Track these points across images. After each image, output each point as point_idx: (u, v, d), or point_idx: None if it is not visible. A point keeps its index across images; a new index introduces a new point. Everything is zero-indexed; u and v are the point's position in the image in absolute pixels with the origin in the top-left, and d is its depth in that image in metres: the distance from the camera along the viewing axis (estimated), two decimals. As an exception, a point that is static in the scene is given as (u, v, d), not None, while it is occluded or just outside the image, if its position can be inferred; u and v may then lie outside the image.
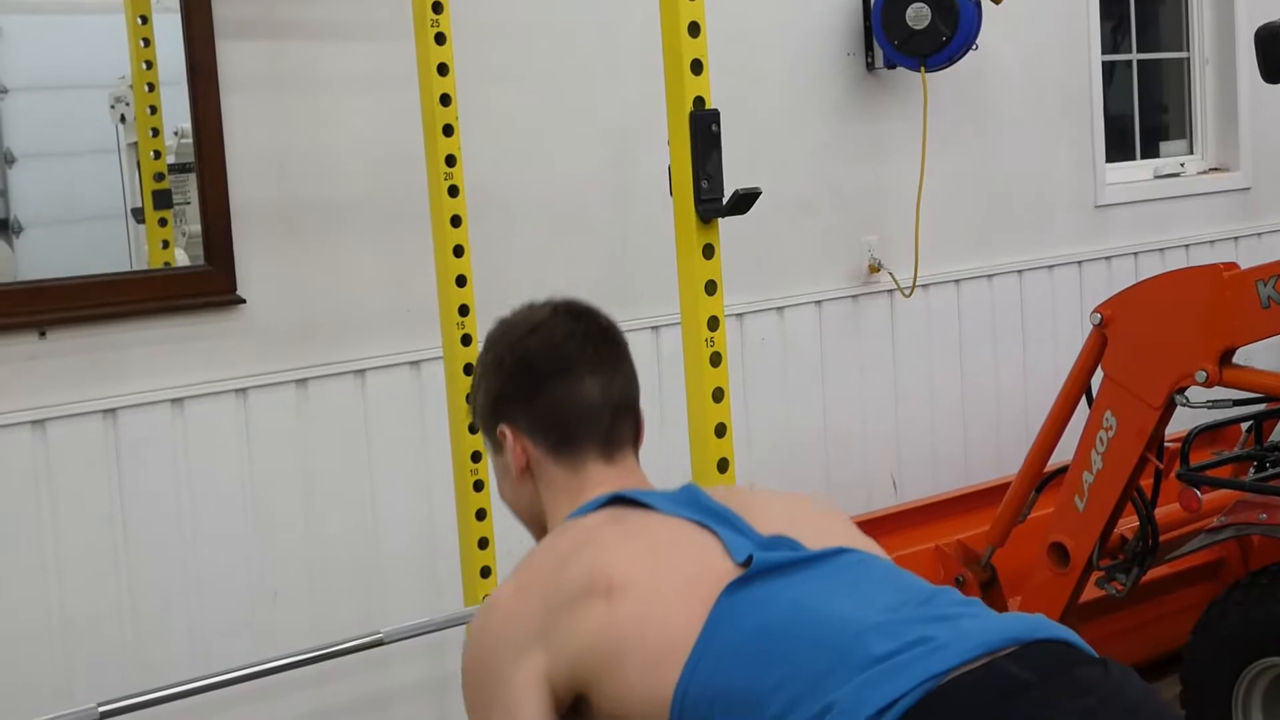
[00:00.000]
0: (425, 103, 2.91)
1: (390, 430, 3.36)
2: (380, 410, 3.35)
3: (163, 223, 3.40)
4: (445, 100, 2.91)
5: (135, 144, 3.36)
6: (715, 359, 2.29)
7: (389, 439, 3.36)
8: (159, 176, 3.34)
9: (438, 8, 2.90)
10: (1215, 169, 5.36)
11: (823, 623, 1.43)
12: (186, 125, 3.23)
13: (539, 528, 1.79)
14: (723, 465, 2.30)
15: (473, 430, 2.71)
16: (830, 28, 4.18)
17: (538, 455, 1.75)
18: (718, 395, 2.30)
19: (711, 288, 2.29)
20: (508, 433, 1.76)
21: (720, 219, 2.27)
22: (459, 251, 2.94)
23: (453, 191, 2.93)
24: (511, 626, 1.56)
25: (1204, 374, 3.07)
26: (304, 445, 3.25)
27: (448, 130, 2.92)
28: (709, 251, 2.28)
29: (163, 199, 3.36)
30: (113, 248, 3.36)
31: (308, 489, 3.26)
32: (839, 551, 1.57)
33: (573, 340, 1.76)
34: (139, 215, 3.40)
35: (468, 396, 1.84)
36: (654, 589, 1.51)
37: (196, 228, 3.24)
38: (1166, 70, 5.45)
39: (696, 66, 2.23)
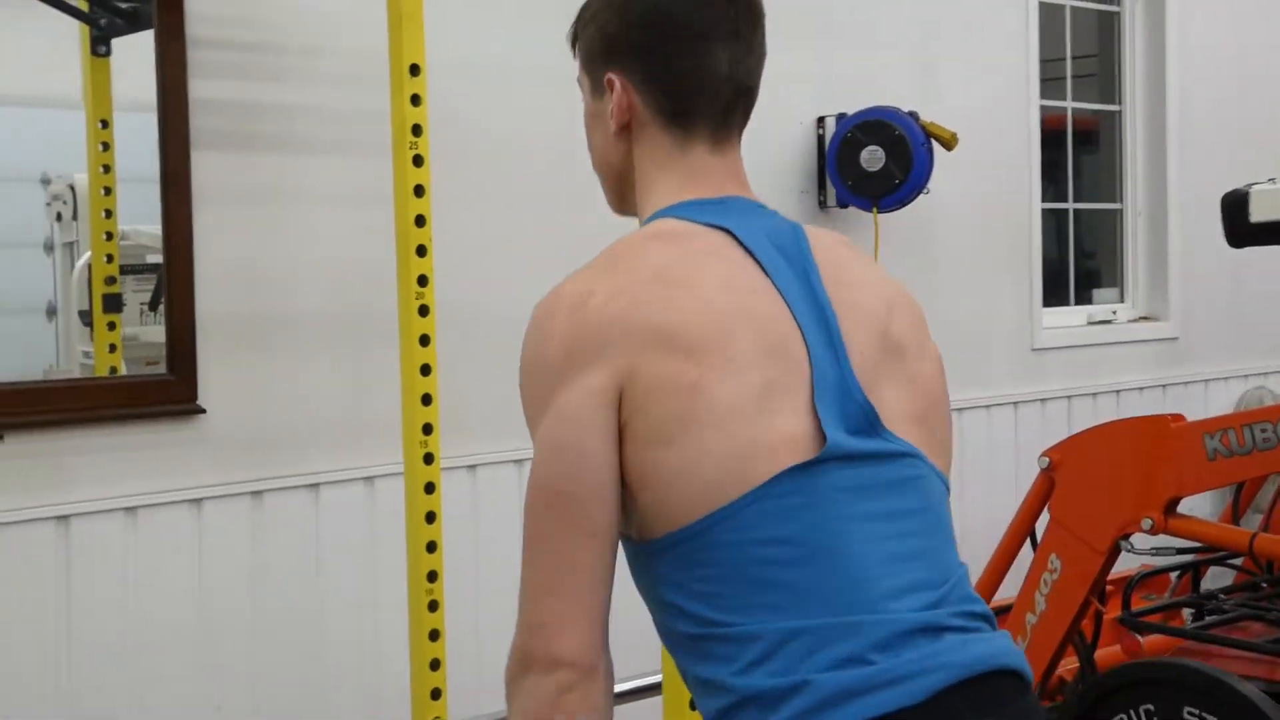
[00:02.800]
0: (400, 224, 2.93)
1: (342, 546, 3.34)
2: (333, 525, 3.33)
3: (111, 326, 3.38)
4: (420, 221, 2.93)
5: (71, 243, 3.35)
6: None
7: (340, 555, 3.34)
8: (110, 280, 3.32)
9: (417, 130, 2.94)
10: (1145, 317, 5.51)
11: (845, 582, 1.42)
12: (129, 228, 3.24)
13: (620, 188, 1.67)
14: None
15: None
16: (785, 165, 4.28)
17: (645, 116, 1.60)
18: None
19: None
20: (617, 81, 1.60)
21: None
22: (426, 370, 2.95)
23: (423, 311, 2.94)
24: (595, 333, 1.45)
25: (1150, 522, 3.14)
26: (256, 558, 3.22)
27: (421, 251, 2.94)
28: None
29: (112, 303, 3.34)
30: (38, 343, 3.35)
31: (257, 602, 3.22)
32: (908, 455, 1.50)
33: (715, 4, 1.59)
34: (86, 318, 3.37)
35: (574, 28, 1.67)
36: (739, 408, 1.43)
37: (130, 329, 3.24)
38: (1101, 220, 5.62)
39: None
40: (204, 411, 3.14)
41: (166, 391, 3.11)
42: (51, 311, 3.37)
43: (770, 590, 1.43)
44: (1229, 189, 2.90)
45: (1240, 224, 2.65)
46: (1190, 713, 2.81)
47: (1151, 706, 2.87)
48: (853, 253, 1.64)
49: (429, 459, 2.95)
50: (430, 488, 2.94)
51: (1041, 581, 3.30)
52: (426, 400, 2.96)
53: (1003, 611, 3.37)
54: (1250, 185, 2.68)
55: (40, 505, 2.94)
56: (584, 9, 1.67)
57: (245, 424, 3.21)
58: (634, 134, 1.61)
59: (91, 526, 3.00)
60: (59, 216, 3.38)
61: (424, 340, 2.95)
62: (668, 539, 1.45)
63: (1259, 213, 2.64)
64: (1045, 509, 3.35)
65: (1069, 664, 3.40)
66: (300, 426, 3.29)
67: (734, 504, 1.42)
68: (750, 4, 1.62)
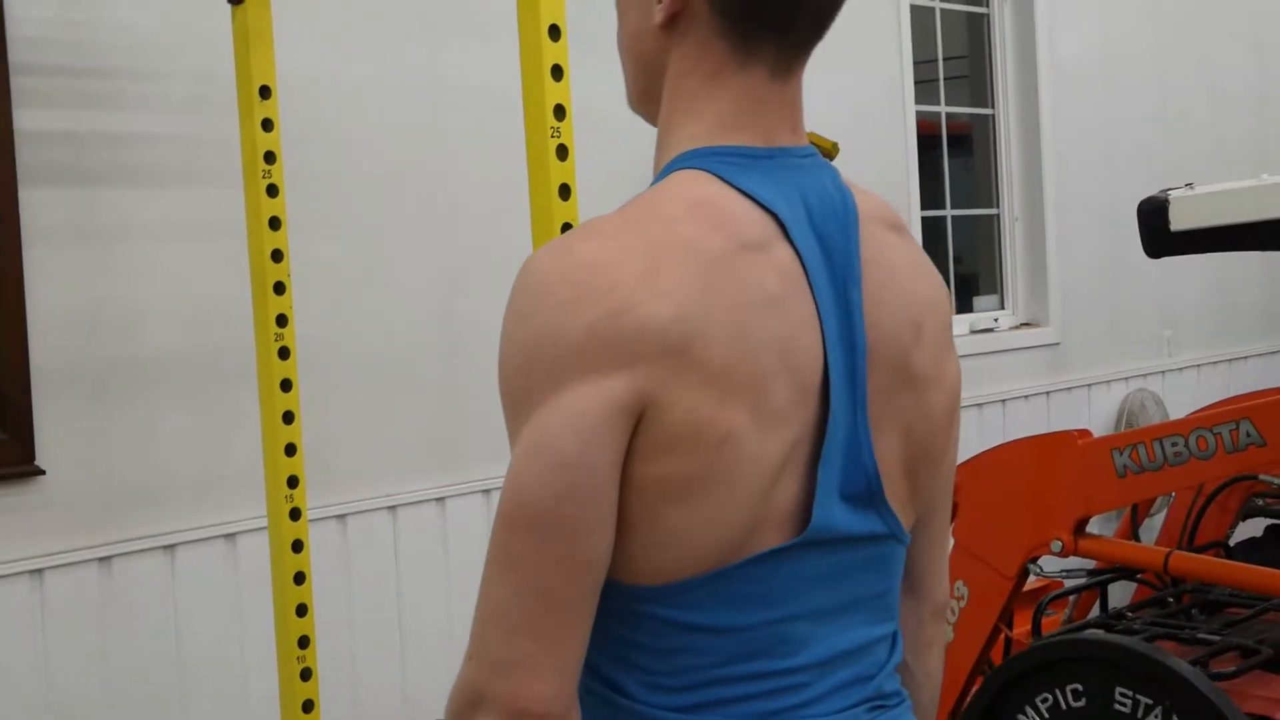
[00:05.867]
0: (255, 259, 2.70)
1: (202, 610, 3.08)
2: (191, 589, 3.06)
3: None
4: (277, 256, 2.70)
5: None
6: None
7: (201, 621, 3.07)
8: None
9: (270, 157, 2.70)
10: (1026, 324, 5.43)
11: (783, 643, 1.24)
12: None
13: (646, 81, 1.33)
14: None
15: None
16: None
17: (701, 10, 1.25)
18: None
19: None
20: None
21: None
22: (289, 418, 2.72)
23: (283, 354, 2.71)
24: (626, 327, 1.15)
25: (1059, 544, 3.02)
26: (106, 630, 2.94)
27: (279, 288, 2.71)
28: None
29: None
30: None
31: (108, 678, 2.94)
32: (885, 538, 1.29)
33: None
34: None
35: None
36: (754, 476, 1.18)
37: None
38: (978, 226, 5.54)
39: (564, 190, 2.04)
40: (43, 473, 2.86)
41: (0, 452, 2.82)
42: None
43: (686, 675, 1.22)
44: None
45: (1159, 233, 2.51)
46: (1123, 694, 2.65)
47: (1080, 686, 2.70)
48: (896, 236, 1.35)
49: (295, 514, 2.72)
50: (298, 545, 2.72)
51: (949, 611, 3.15)
52: (291, 450, 2.73)
53: (908, 642, 3.23)
54: (1168, 191, 2.55)
55: None
56: None
57: (90, 483, 2.93)
58: (683, 29, 1.27)
59: (-82, 606, 2.71)
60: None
61: (285, 385, 2.72)
62: (624, 592, 1.21)
63: (1179, 221, 2.50)
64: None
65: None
66: (152, 481, 3.02)
67: (693, 579, 1.19)
68: None
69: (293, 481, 2.72)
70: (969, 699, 2.98)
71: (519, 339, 1.17)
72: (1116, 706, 2.66)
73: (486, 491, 3.51)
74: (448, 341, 3.50)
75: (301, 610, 2.75)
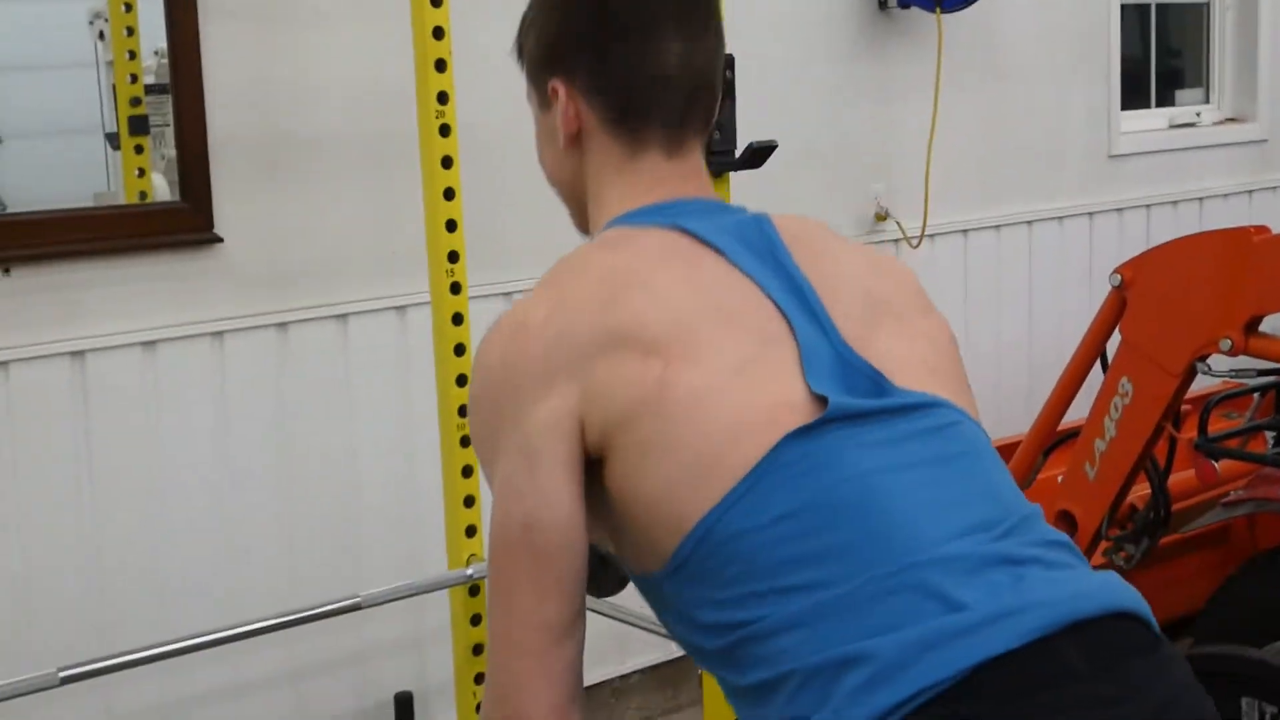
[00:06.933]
0: (417, 36, 2.73)
1: (372, 379, 3.21)
2: (362, 358, 3.20)
3: (139, 149, 3.24)
4: (438, 34, 2.73)
5: (112, 62, 3.19)
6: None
7: (371, 389, 3.21)
8: (135, 101, 3.18)
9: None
10: (1232, 119, 5.19)
11: (878, 529, 1.20)
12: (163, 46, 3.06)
13: (578, 207, 1.53)
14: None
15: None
16: (843, -37, 4.00)
17: (593, 123, 1.45)
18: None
19: (721, 246, 2.12)
20: (561, 90, 1.45)
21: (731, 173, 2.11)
22: (449, 195, 2.77)
23: (444, 131, 2.75)
24: (539, 354, 1.29)
25: (1229, 342, 2.92)
26: (282, 393, 3.10)
27: (440, 65, 2.74)
28: (719, 207, 2.11)
29: (139, 125, 3.20)
30: (91, 167, 3.22)
31: (284, 440, 3.11)
32: (931, 405, 1.30)
33: None
34: (114, 141, 3.24)
35: (517, 39, 1.53)
36: (713, 395, 1.25)
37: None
38: (1185, 15, 5.27)
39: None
40: (221, 240, 2.99)
41: (180, 220, 2.96)
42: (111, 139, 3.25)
43: (798, 568, 1.21)
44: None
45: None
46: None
47: None
48: (828, 233, 1.47)
49: (455, 289, 2.80)
50: (458, 319, 2.79)
51: (1112, 406, 3.10)
52: (451, 226, 2.79)
53: (1070, 436, 3.20)
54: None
55: (53, 341, 2.82)
56: (525, 14, 1.51)
57: (266, 252, 3.05)
58: (584, 145, 1.46)
59: (108, 362, 2.88)
60: (101, 35, 3.22)
61: (446, 162, 2.77)
62: (673, 559, 1.26)
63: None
64: (1117, 329, 3.13)
65: (1140, 490, 3.22)
66: (324, 255, 3.13)
67: (731, 493, 1.22)
68: None
69: (453, 256, 2.79)
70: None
71: (469, 405, 1.37)
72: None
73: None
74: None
75: (461, 380, 2.84)
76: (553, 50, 1.46)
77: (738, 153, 2.07)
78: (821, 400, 1.26)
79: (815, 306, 1.33)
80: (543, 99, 1.49)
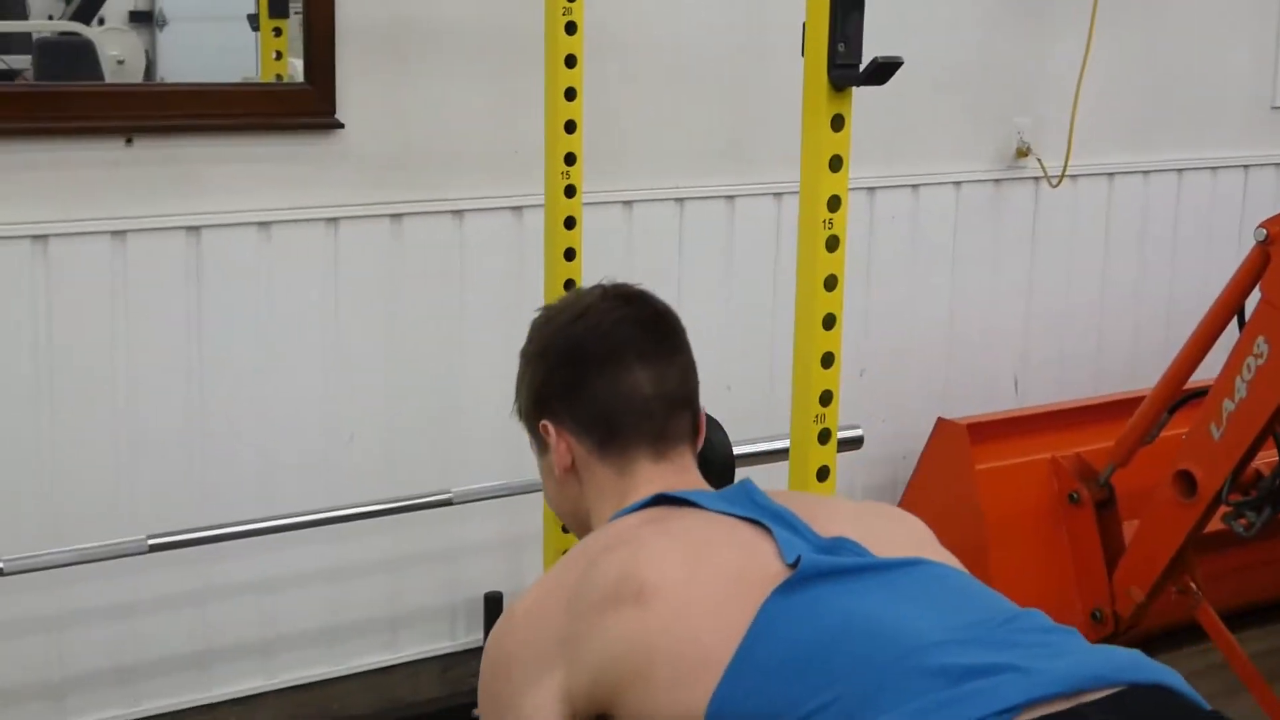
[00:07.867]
0: (548, -71, 2.67)
1: (485, 278, 3.19)
2: (477, 255, 3.18)
3: (277, 32, 3.25)
4: (571, -73, 2.67)
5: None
6: (832, 243, 2.06)
7: (483, 286, 3.19)
8: (273, -19, 3.19)
9: None
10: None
11: (878, 635, 1.25)
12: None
13: (583, 530, 1.64)
14: (827, 360, 2.08)
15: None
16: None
17: (583, 454, 1.60)
18: (830, 283, 2.07)
19: (836, 163, 2.04)
20: (551, 429, 1.61)
21: (855, 88, 2.02)
22: (570, 95, 2.72)
23: (570, 28, 2.70)
24: (530, 641, 1.41)
25: (1376, 307, 2.78)
26: (393, 284, 3.09)
27: (572, -40, 2.68)
28: (838, 123, 2.03)
29: (279, 7, 3.22)
30: (244, 51, 3.29)
31: (393, 330, 3.11)
32: (911, 562, 1.39)
33: (623, 327, 1.60)
34: (254, 22, 3.25)
35: (515, 400, 1.69)
36: (690, 594, 1.34)
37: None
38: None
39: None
40: (342, 126, 2.98)
41: (304, 102, 2.95)
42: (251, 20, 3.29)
43: (815, 693, 1.24)
44: None
45: None
46: None
47: None
48: (823, 497, 1.63)
49: (570, 191, 2.76)
50: (570, 222, 2.76)
51: (1244, 366, 2.97)
52: (570, 127, 2.74)
53: (1199, 395, 3.08)
54: None
55: (170, 214, 2.85)
56: (518, 371, 1.67)
57: (386, 142, 3.04)
58: (580, 474, 1.61)
59: (223, 239, 2.90)
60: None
61: (570, 61, 2.72)
62: None
63: None
64: (1258, 287, 3.00)
65: (1266, 457, 3.10)
66: (444, 148, 3.10)
67: (728, 670, 1.28)
68: (661, 319, 1.64)
69: (570, 158, 2.74)
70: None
71: (478, 692, 1.49)
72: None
73: (777, 195, 3.47)
74: (747, 38, 3.42)
75: (569, 285, 2.81)
76: (540, 396, 1.62)
77: (861, 66, 1.97)
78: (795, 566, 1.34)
79: (793, 521, 1.43)
80: (540, 441, 1.64)
